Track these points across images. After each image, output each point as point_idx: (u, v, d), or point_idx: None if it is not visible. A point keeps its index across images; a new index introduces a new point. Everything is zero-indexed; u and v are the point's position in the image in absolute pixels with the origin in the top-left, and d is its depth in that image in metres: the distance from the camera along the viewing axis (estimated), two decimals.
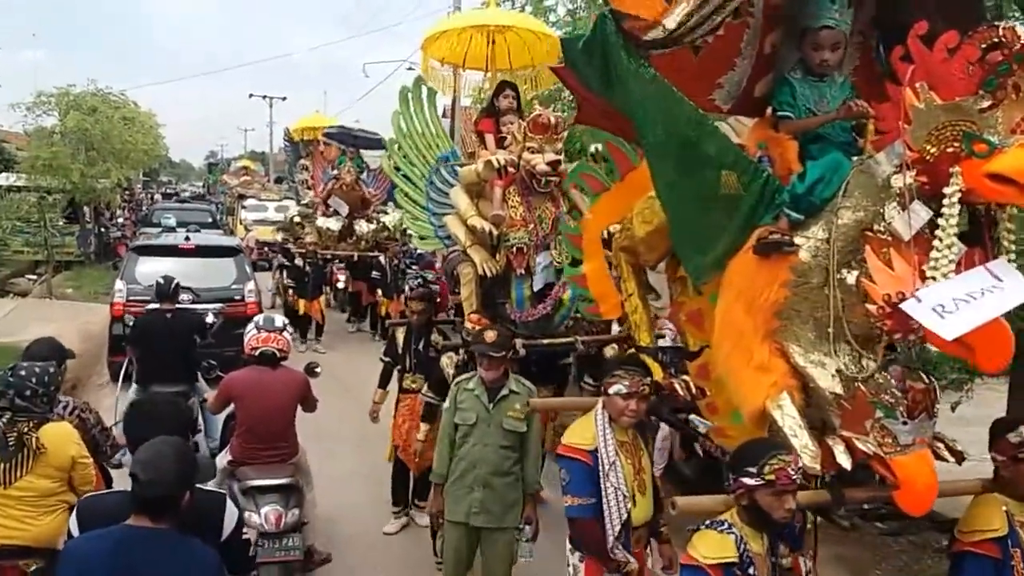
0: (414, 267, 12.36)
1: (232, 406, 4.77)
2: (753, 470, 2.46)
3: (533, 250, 5.10)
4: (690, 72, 3.00)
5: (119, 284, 9.54)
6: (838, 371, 2.59)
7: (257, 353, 4.70)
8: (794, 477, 2.46)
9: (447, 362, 5.06)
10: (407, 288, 11.25)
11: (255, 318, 5.00)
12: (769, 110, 3.18)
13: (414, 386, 5.76)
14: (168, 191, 42.83)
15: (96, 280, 16.83)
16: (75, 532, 2.57)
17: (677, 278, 3.79)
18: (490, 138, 5.71)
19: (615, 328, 5.25)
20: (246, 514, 4.26)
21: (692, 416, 3.64)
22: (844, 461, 2.49)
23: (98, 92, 19.65)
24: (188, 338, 6.31)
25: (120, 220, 22.48)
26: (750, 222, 2.80)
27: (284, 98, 43.03)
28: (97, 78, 27.31)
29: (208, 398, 5.64)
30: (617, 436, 3.20)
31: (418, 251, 13.88)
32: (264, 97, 42.05)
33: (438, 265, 13.87)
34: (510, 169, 5.08)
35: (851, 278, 2.55)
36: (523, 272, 5.07)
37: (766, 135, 3.11)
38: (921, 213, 2.39)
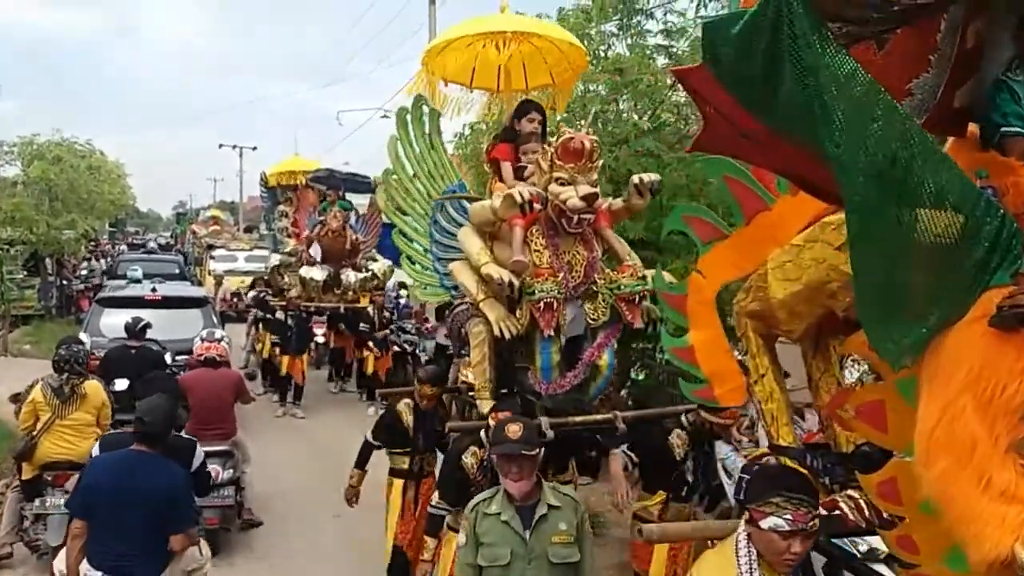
0: (388, 312, 11.72)
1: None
2: None
3: (563, 304, 4.16)
4: (873, 73, 2.10)
5: (83, 337, 9.16)
6: None
7: (203, 358, 6.57)
8: None
9: (471, 462, 4.01)
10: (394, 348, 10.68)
11: (200, 332, 7.08)
12: (973, 126, 2.35)
13: (430, 468, 5.01)
14: (134, 241, 41.98)
15: (56, 335, 15.82)
16: (95, 454, 4.23)
17: (818, 353, 2.94)
18: (507, 167, 4.77)
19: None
20: None
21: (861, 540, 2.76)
22: None
23: (63, 141, 19.26)
24: (148, 371, 7.22)
25: (84, 272, 21.63)
26: (979, 282, 2.00)
27: (255, 147, 42.22)
28: (62, 127, 26.83)
29: None
30: None
31: (398, 298, 13.32)
32: (234, 147, 41.38)
33: (429, 318, 13.23)
34: (536, 205, 4.10)
35: None
36: (552, 333, 4.07)
37: (987, 159, 2.27)
38: None
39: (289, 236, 12.61)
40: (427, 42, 17.58)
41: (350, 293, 11.12)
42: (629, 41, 8.42)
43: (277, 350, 10.87)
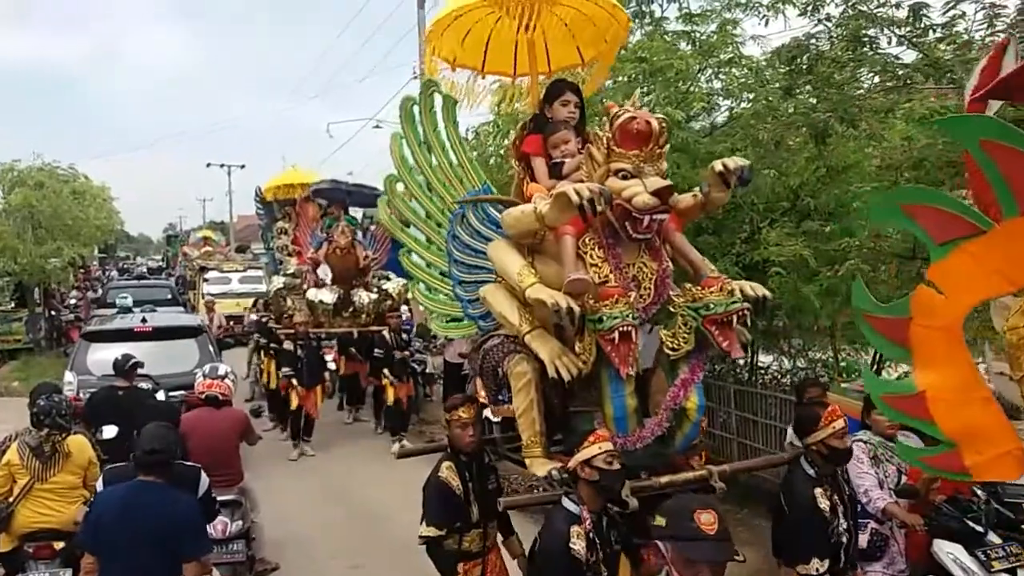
0: (405, 334, 10.86)
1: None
2: None
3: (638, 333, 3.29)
4: None
5: (69, 376, 8.87)
6: None
7: (204, 396, 5.90)
8: None
9: (581, 546, 3.06)
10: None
11: (203, 368, 6.39)
12: None
13: (488, 544, 4.05)
14: (125, 266, 41.36)
15: (46, 370, 15.40)
16: (99, 488, 4.20)
17: None
18: (540, 163, 3.91)
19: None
20: None
21: None
22: None
23: (45, 166, 18.94)
24: (139, 415, 6.48)
25: (72, 301, 20.91)
26: None
27: (243, 166, 42.21)
28: (44, 152, 26.16)
29: None
30: None
31: (405, 318, 12.50)
32: (222, 166, 41.62)
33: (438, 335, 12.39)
34: (598, 207, 3.17)
35: None
36: (631, 372, 3.21)
37: None
38: None
39: (290, 255, 11.83)
40: (417, 48, 17.30)
41: (363, 316, 10.27)
42: (648, 28, 7.80)
43: (294, 382, 9.83)
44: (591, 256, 3.39)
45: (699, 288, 3.31)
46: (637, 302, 3.33)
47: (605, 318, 3.13)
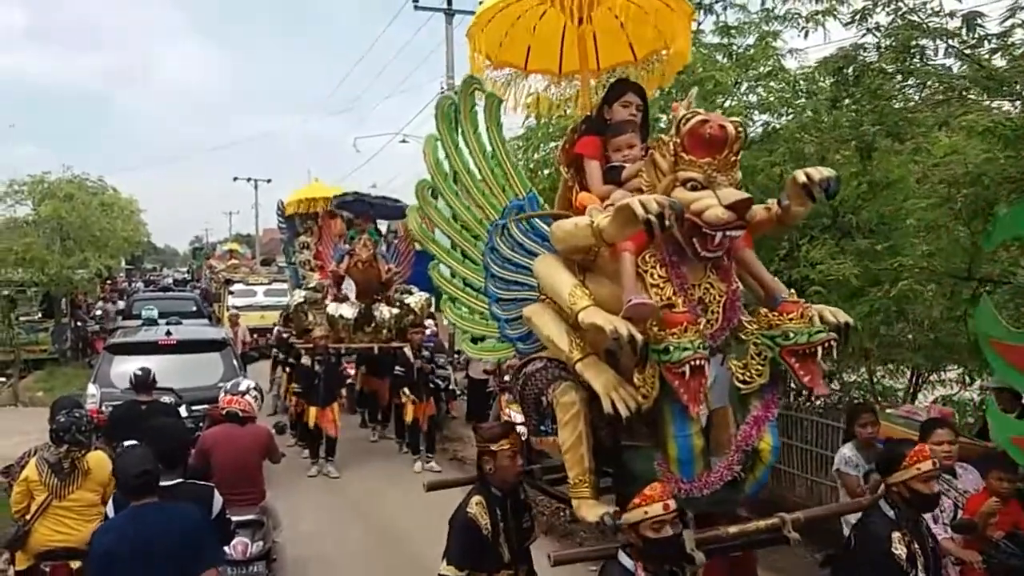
0: (426, 350, 10.58)
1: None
2: None
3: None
4: None
5: (92, 388, 8.81)
6: None
7: (224, 412, 5.85)
8: None
9: None
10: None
11: (225, 384, 6.49)
12: None
13: None
14: (151, 278, 41.90)
15: (71, 380, 15.48)
16: (111, 514, 4.09)
17: None
18: (594, 167, 3.57)
19: None
20: None
21: None
22: None
23: (74, 179, 19.31)
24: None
25: (98, 312, 21.04)
26: None
27: (269, 180, 42.65)
28: (73, 165, 26.47)
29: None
30: None
31: (429, 332, 12.26)
32: (248, 180, 42.13)
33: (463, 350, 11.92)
34: (668, 223, 2.77)
35: None
36: (701, 411, 2.91)
37: None
38: None
39: (312, 269, 11.65)
40: (444, 64, 17.32)
41: (384, 331, 10.00)
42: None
43: (301, 400, 9.62)
44: (652, 275, 3.01)
45: (775, 314, 2.97)
46: (707, 328, 2.97)
47: (673, 348, 2.76)
